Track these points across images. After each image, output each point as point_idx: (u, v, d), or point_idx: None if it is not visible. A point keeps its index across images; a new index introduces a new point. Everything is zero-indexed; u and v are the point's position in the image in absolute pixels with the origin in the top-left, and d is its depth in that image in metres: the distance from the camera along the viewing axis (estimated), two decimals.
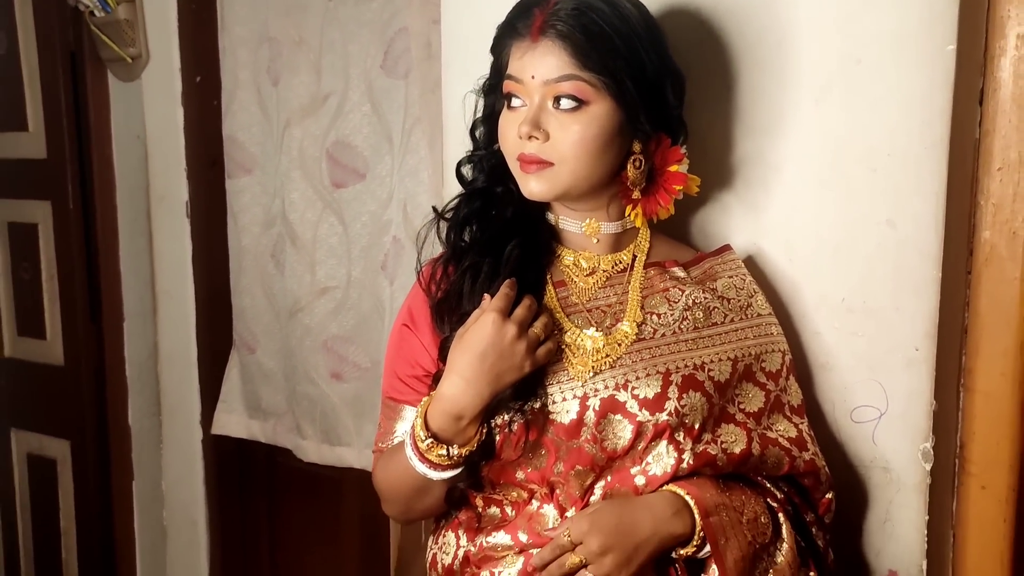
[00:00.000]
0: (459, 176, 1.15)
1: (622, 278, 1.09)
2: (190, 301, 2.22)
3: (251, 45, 2.00)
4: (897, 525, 1.12)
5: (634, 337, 1.05)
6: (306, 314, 1.98)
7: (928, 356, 1.09)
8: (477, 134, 1.13)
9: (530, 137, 1.01)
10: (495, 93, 1.08)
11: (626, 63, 0.99)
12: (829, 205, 1.14)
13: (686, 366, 1.04)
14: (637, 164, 1.04)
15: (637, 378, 1.03)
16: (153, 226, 2.22)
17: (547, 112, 1.01)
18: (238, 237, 2.09)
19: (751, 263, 1.20)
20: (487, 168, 1.11)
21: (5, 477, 2.49)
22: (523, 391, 1.01)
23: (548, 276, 1.09)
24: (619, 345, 1.05)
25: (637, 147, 1.05)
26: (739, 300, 1.10)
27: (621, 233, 1.10)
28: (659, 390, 1.02)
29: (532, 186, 1.03)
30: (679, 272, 1.10)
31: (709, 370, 1.04)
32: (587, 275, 1.09)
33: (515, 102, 1.03)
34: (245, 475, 2.30)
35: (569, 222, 1.11)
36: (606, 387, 1.03)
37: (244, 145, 2.05)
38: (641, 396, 1.02)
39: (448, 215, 1.12)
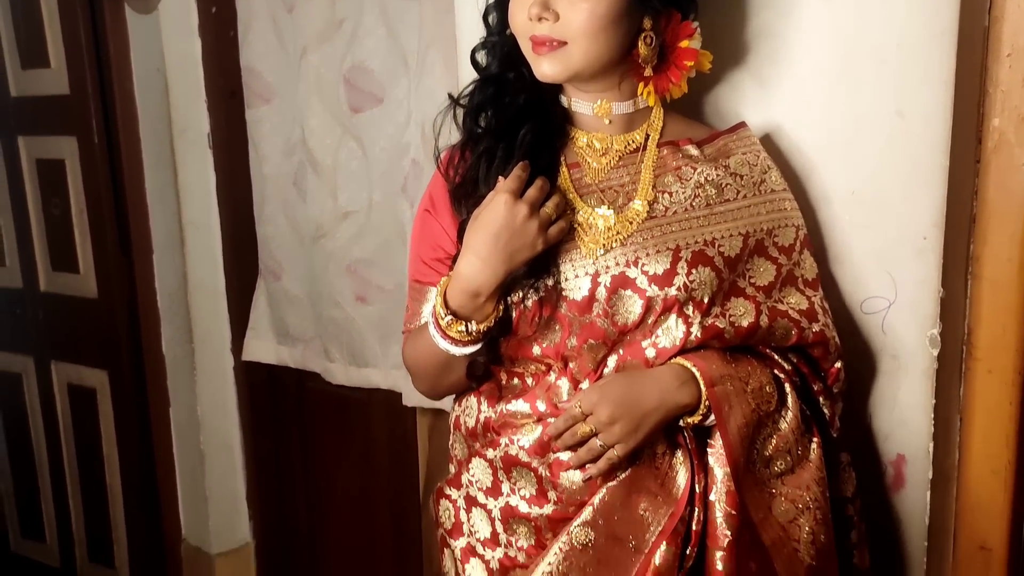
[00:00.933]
0: (474, 63, 1.16)
1: (635, 158, 1.11)
2: (216, 231, 2.26)
3: None
4: (905, 410, 1.15)
5: (645, 215, 1.07)
6: (329, 239, 2.01)
7: (936, 245, 1.10)
8: (490, 19, 1.14)
9: (540, 18, 1.02)
10: None
11: None
12: (839, 98, 1.15)
13: (696, 242, 1.06)
14: (648, 41, 1.05)
15: (647, 255, 1.06)
16: (176, 158, 2.25)
17: None
18: (260, 166, 2.12)
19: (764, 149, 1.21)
20: (500, 54, 1.12)
21: (48, 407, 2.58)
22: (536, 269, 1.05)
23: (562, 158, 1.11)
24: (630, 223, 1.07)
25: (647, 23, 1.05)
26: (752, 176, 1.10)
27: (633, 113, 1.11)
28: (668, 266, 1.05)
29: (544, 67, 1.04)
30: (692, 150, 1.10)
31: (719, 246, 1.06)
32: (600, 156, 1.11)
33: None
34: (276, 400, 2.37)
35: (581, 103, 1.12)
36: (617, 264, 1.06)
37: (261, 75, 2.06)
38: (651, 272, 1.05)
39: (463, 101, 1.14)
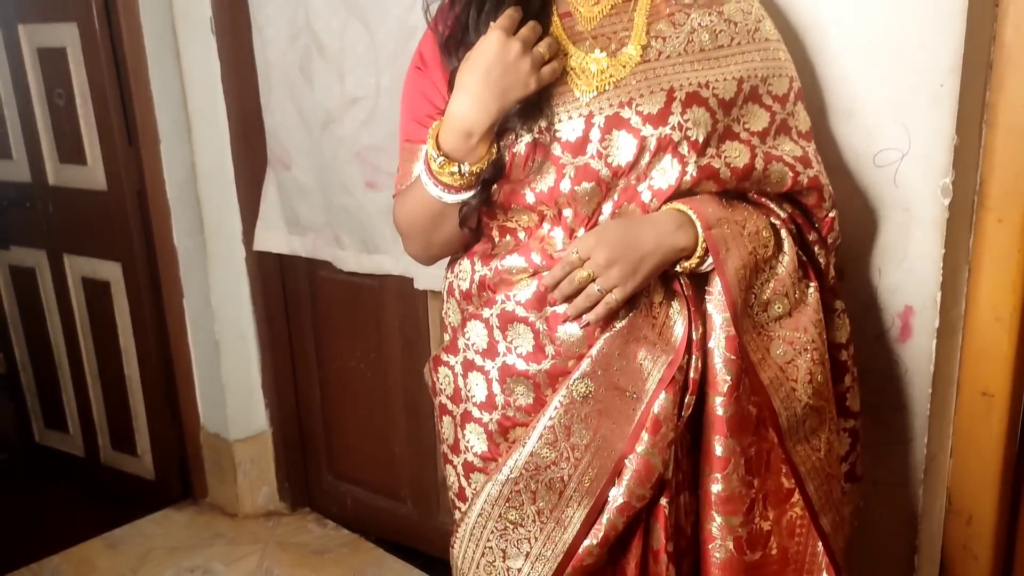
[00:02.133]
0: None
1: (628, 6, 1.08)
2: (223, 120, 2.23)
3: None
4: (915, 262, 1.16)
5: (639, 59, 1.05)
6: (338, 125, 1.98)
7: (952, 91, 1.09)
8: None
9: None
10: None
11: None
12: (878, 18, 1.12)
13: (690, 84, 1.04)
14: None
15: (641, 95, 1.04)
16: (179, 45, 2.20)
17: None
18: (264, 51, 2.07)
19: (778, 7, 1.17)
20: None
21: (64, 301, 2.61)
22: (529, 110, 1.03)
23: (553, 7, 1.08)
24: (623, 67, 1.05)
25: None
26: (746, 24, 1.08)
27: None
28: (663, 106, 1.04)
29: None
30: None
31: (713, 88, 1.04)
32: (592, 4, 1.09)
33: None
34: (289, 289, 2.39)
35: None
36: (611, 105, 1.04)
37: None
38: (645, 112, 1.04)
39: None
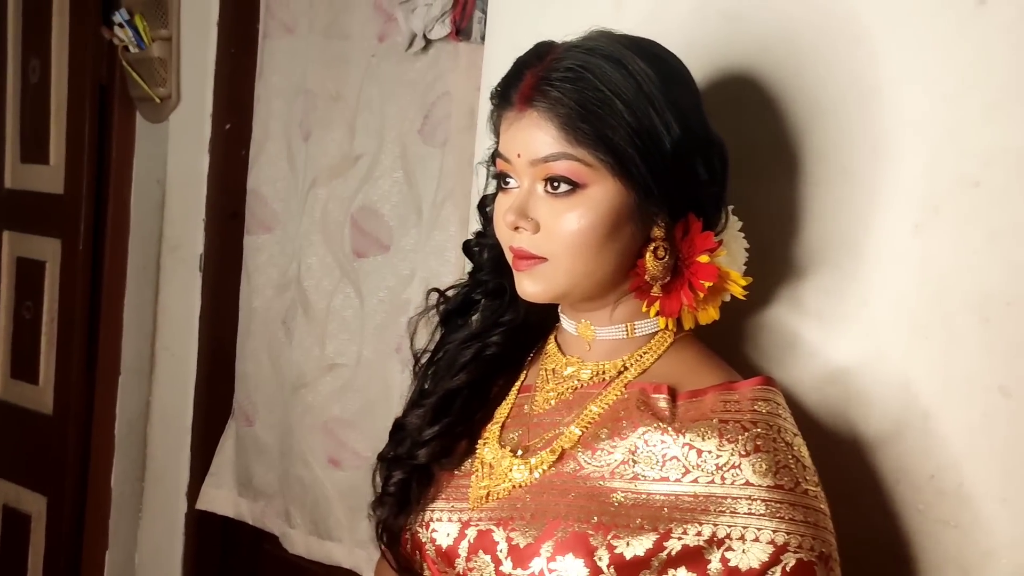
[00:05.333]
0: (467, 253, 1.01)
1: (596, 393, 0.89)
2: (192, 361, 2.09)
3: (287, 96, 1.89)
4: None
5: (545, 469, 0.87)
6: (310, 390, 1.83)
7: None
8: (488, 211, 0.97)
9: (516, 227, 0.85)
10: None
11: (634, 134, 0.81)
12: (923, 357, 0.91)
13: (580, 522, 0.82)
14: (659, 253, 0.85)
15: (522, 518, 0.85)
16: (162, 277, 2.13)
17: (537, 197, 0.85)
18: (250, 298, 1.96)
19: (808, 414, 0.97)
20: (492, 255, 0.96)
21: None
22: (406, 499, 0.93)
23: (519, 382, 0.97)
24: (531, 473, 0.87)
25: (658, 232, 0.86)
26: (720, 456, 0.80)
27: (623, 340, 0.90)
28: (532, 541, 0.83)
29: (525, 286, 0.87)
30: (660, 402, 0.85)
31: (612, 536, 0.80)
32: (559, 383, 0.92)
33: (510, 182, 0.88)
34: (227, 558, 2.13)
35: (566, 320, 0.94)
36: (490, 519, 0.87)
37: (267, 200, 1.93)
38: (514, 541, 0.84)
39: (446, 304, 1.01)
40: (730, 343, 1.01)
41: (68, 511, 2.15)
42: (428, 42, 1.61)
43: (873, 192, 0.94)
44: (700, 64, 1.03)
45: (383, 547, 0.98)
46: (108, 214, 2.07)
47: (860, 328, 0.94)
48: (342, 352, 1.78)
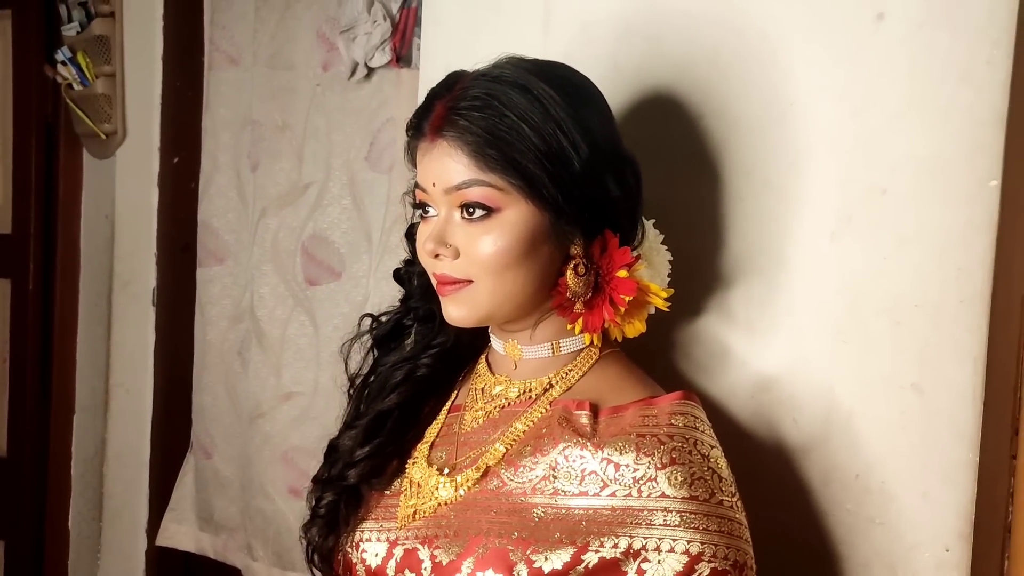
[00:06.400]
0: (398, 280, 1.03)
1: (521, 411, 0.90)
2: (147, 396, 2.07)
3: (234, 128, 1.89)
4: None
5: (470, 486, 0.88)
6: (267, 420, 1.81)
7: (962, 560, 0.87)
8: (415, 239, 0.98)
9: (437, 255, 0.87)
10: None
11: (543, 157, 0.83)
12: (843, 361, 0.94)
13: (500, 538, 0.83)
14: (579, 270, 0.87)
15: (446, 536, 0.86)
16: (113, 313, 2.10)
17: (454, 224, 0.86)
18: (204, 330, 1.94)
19: (741, 422, 0.99)
20: (421, 282, 0.98)
21: None
22: (335, 520, 0.94)
23: (449, 402, 0.98)
24: (456, 490, 0.88)
25: (575, 250, 0.87)
26: (637, 470, 0.81)
27: (549, 359, 0.92)
28: (455, 558, 0.84)
29: (450, 311, 0.89)
30: (582, 418, 0.87)
31: (532, 551, 0.81)
32: (487, 402, 0.94)
33: (429, 211, 0.89)
34: None
35: (495, 339, 0.95)
36: (416, 537, 0.88)
37: (218, 232, 1.92)
38: (438, 559, 0.85)
39: (378, 328, 1.03)
40: (661, 355, 1.03)
41: (26, 553, 2.12)
42: (370, 70, 1.63)
43: (793, 203, 0.97)
44: (627, 85, 1.06)
45: (313, 569, 0.99)
46: (57, 252, 2.07)
47: (786, 335, 0.97)
48: (298, 380, 1.78)
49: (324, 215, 1.75)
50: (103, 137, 1.98)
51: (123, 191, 2.06)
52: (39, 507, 2.12)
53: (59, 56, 1.94)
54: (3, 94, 2.08)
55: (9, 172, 2.10)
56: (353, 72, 1.64)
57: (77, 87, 1.95)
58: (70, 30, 1.93)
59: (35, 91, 2.04)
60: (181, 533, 2.00)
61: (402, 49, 1.58)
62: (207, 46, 1.92)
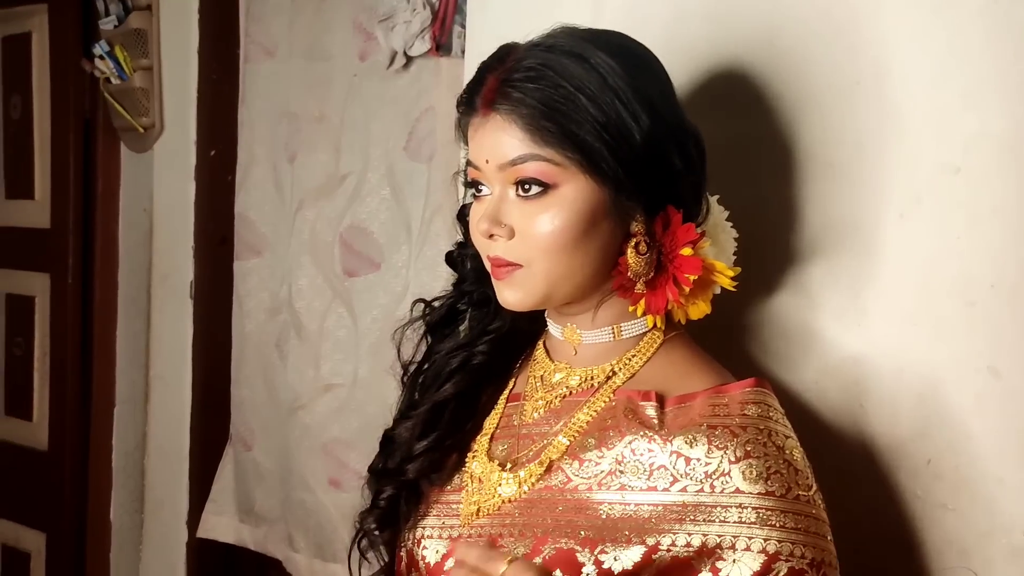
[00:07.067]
0: (450, 263, 1.00)
1: (583, 400, 0.87)
2: (187, 389, 2.08)
3: (270, 119, 1.89)
4: None
5: (533, 482, 0.85)
6: (307, 412, 1.82)
7: None
8: (467, 220, 0.94)
9: (491, 235, 0.83)
10: None
11: (601, 129, 0.79)
12: (913, 343, 0.92)
13: (568, 537, 0.80)
14: (640, 248, 0.83)
15: (510, 535, 0.83)
16: (152, 306, 2.12)
17: (509, 202, 0.83)
18: (242, 323, 1.95)
19: (803, 407, 0.97)
20: (474, 265, 0.94)
21: None
22: (394, 514, 0.92)
23: (507, 391, 0.95)
24: (519, 487, 0.85)
25: (637, 227, 0.83)
26: (708, 464, 0.78)
27: (611, 344, 0.88)
28: (520, 558, 0.80)
29: (504, 295, 0.85)
30: (648, 410, 0.83)
31: (600, 551, 0.78)
32: (547, 391, 0.90)
33: (483, 189, 0.86)
34: None
35: (552, 325, 0.91)
36: (479, 535, 0.85)
37: (255, 224, 1.93)
38: None
39: (431, 314, 0.99)
40: (724, 337, 1.01)
41: (68, 547, 2.13)
42: (409, 59, 1.62)
43: (858, 184, 0.95)
44: (682, 67, 1.04)
45: (352, 558, 0.97)
46: (96, 246, 2.07)
47: (852, 319, 0.95)
48: (337, 372, 1.78)
49: (362, 206, 1.74)
50: (141, 131, 1.99)
51: (161, 185, 2.07)
52: (80, 500, 2.13)
53: (96, 50, 1.95)
54: (41, 89, 2.09)
55: (48, 167, 2.11)
56: (392, 61, 1.63)
57: (115, 81, 1.96)
58: (107, 24, 1.93)
59: (73, 86, 2.04)
60: (221, 525, 2.01)
61: (442, 37, 1.56)
62: (243, 38, 1.92)
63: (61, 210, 2.09)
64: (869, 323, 0.94)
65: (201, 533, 2.02)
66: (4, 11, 2.16)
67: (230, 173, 1.95)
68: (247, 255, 1.94)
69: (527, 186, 0.81)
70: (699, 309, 0.87)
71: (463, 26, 1.51)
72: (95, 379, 2.10)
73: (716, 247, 0.88)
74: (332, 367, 1.78)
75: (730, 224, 0.91)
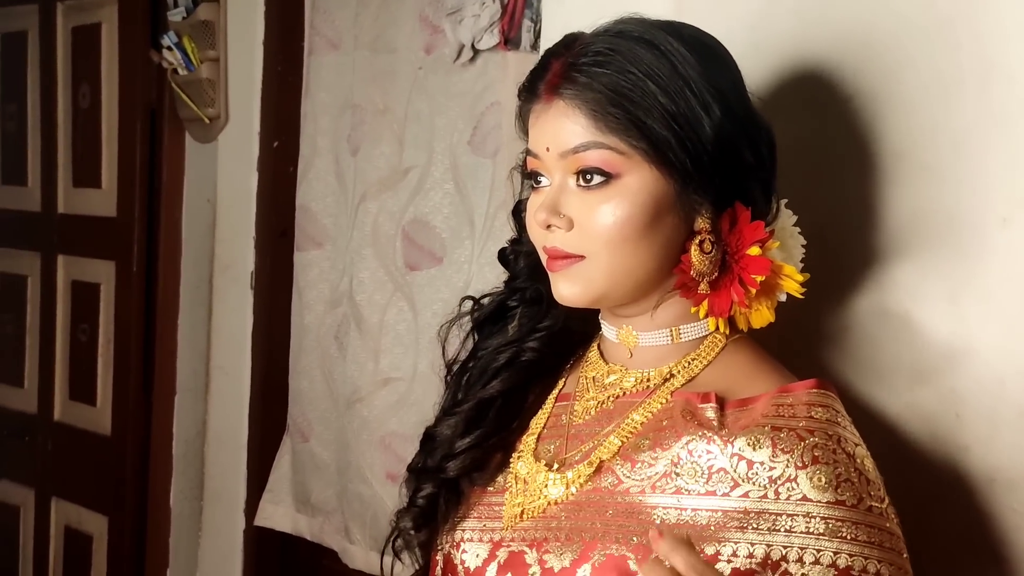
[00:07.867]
0: (503, 262, 0.97)
1: (637, 402, 0.83)
2: (246, 379, 2.09)
3: (334, 112, 1.90)
4: None
5: (582, 483, 0.81)
6: (365, 405, 1.82)
7: None
8: (522, 216, 0.90)
9: (549, 226, 0.80)
10: None
11: (670, 118, 0.76)
12: (1016, 353, 0.87)
13: (619, 543, 0.75)
14: (705, 247, 0.79)
15: (556, 539, 0.79)
16: (214, 296, 2.13)
17: (569, 192, 0.79)
18: (301, 314, 1.96)
19: (893, 416, 0.93)
20: (528, 261, 0.91)
21: (41, 547, 2.39)
22: (432, 514, 0.89)
23: (556, 391, 0.91)
24: (567, 488, 0.81)
25: (702, 223, 0.79)
26: (773, 469, 0.73)
27: (669, 346, 0.84)
28: (568, 565, 0.77)
29: (561, 288, 0.81)
30: (708, 412, 0.78)
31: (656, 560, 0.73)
32: (600, 391, 0.86)
33: (541, 180, 0.83)
34: (286, 574, 2.12)
35: (606, 326, 0.87)
36: (522, 539, 0.81)
37: (317, 216, 1.94)
38: (548, 564, 0.79)
39: (480, 311, 0.96)
40: (806, 345, 0.98)
41: (129, 531, 2.17)
42: (476, 52, 1.61)
43: (955, 187, 0.91)
44: (768, 64, 1.01)
45: (388, 553, 0.95)
46: (160, 235, 2.09)
47: (949, 327, 0.91)
48: (397, 366, 1.78)
49: (425, 200, 1.73)
50: (206, 121, 2.00)
51: (224, 175, 2.09)
52: (141, 486, 2.17)
53: (165, 41, 1.97)
54: (109, 80, 2.12)
55: (115, 157, 2.13)
56: (459, 55, 1.62)
57: (182, 72, 1.98)
58: (176, 15, 1.95)
59: (140, 76, 2.06)
60: (278, 514, 2.03)
61: (510, 31, 1.54)
62: (307, 30, 1.92)
63: (127, 199, 2.12)
64: (967, 330, 0.90)
65: (258, 521, 2.04)
66: (75, 2, 2.20)
67: (292, 164, 1.96)
68: (308, 246, 1.95)
69: (589, 176, 0.78)
70: (762, 316, 0.83)
71: (532, 20, 1.49)
72: (157, 367, 2.13)
73: (784, 252, 0.83)
74: (391, 361, 1.78)
75: (798, 229, 0.86)
